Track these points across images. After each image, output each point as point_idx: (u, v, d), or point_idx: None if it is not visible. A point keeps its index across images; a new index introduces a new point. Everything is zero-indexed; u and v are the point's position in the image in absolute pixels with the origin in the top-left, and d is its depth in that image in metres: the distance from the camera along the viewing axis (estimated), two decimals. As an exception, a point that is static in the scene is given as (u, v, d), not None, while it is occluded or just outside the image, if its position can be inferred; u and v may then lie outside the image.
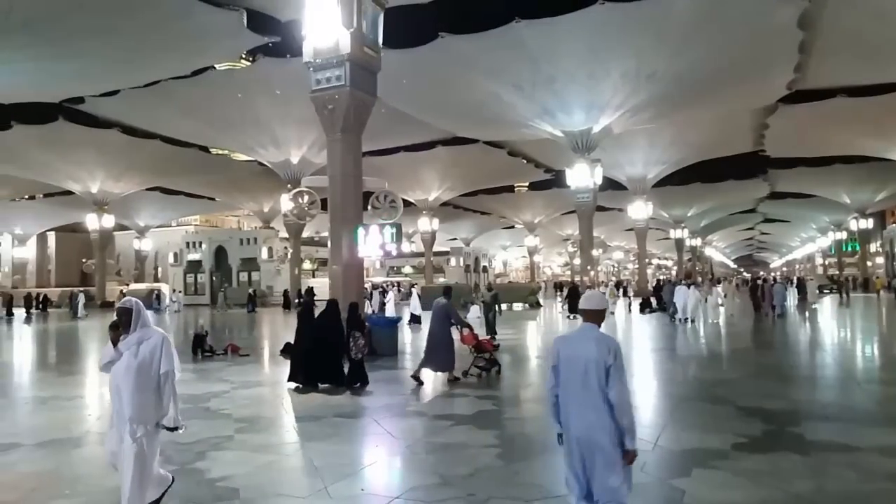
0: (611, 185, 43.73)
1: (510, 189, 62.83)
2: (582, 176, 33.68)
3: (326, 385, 10.17)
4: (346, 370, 10.47)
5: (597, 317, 3.72)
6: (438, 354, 10.69)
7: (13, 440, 7.05)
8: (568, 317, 25.07)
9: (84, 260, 63.47)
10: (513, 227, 76.12)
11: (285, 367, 12.91)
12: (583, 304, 3.80)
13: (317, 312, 11.49)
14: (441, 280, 59.89)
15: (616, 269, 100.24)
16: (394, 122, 30.11)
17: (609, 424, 3.48)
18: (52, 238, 67.36)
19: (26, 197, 56.05)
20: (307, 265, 54.97)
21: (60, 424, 8.12)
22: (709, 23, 23.49)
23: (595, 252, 46.81)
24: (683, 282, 27.24)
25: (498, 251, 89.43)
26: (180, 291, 43.11)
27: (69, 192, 46.94)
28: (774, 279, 41.86)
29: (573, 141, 32.58)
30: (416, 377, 10.56)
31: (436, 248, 58.97)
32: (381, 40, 14.74)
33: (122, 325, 4.34)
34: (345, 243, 14.07)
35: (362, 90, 14.15)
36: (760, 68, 26.62)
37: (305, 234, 46.69)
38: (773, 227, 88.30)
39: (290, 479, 5.76)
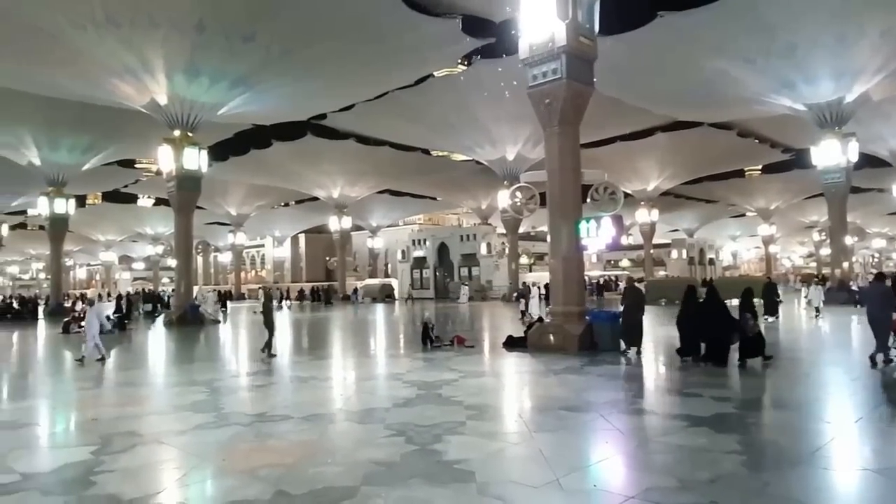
0: (868, 161, 37.71)
1: (740, 174, 57.20)
2: (831, 153, 29.48)
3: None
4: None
5: None
6: (879, 337, 10.74)
7: (286, 413, 8.21)
8: (765, 317, 19.73)
9: (328, 258, 71.85)
10: (743, 215, 69.50)
11: (508, 358, 13.33)
12: None
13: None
14: (661, 273, 56.88)
15: (877, 260, 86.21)
16: (610, 111, 29.22)
17: None
18: (302, 239, 77.14)
19: (283, 204, 64.96)
20: (524, 259, 55.87)
21: (319, 401, 9.26)
22: None
23: (848, 240, 40.72)
24: None
25: (726, 242, 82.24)
26: (467, 284, 44.64)
27: (315, 199, 53.62)
28: None
29: (819, 114, 28.65)
30: (878, 359, 10.66)
31: (656, 240, 56.07)
32: (597, 28, 14.38)
33: None
34: (564, 237, 14.00)
35: (579, 81, 13.93)
36: None
37: (522, 230, 47.48)
38: None
39: (521, 468, 5.87)
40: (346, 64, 25.97)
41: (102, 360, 14.00)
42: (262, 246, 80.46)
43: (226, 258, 77.20)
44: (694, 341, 11.69)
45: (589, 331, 13.68)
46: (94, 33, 21.26)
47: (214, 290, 44.24)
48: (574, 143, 14.49)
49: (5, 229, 47.35)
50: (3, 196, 44.60)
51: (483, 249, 49.44)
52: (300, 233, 75.56)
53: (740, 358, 11.13)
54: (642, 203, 49.90)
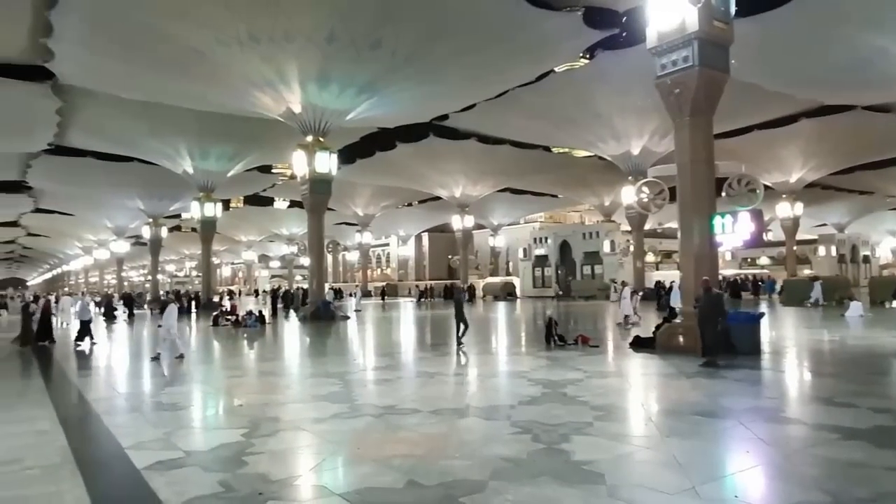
0: None
1: (899, 161, 51.19)
2: None
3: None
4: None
5: None
6: None
7: (414, 406, 8.48)
8: None
9: (450, 256, 73.11)
10: (905, 207, 62.24)
11: (635, 359, 12.91)
12: None
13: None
14: (806, 272, 52.43)
15: None
16: (747, 98, 27.28)
17: None
18: (425, 238, 79.07)
19: (406, 204, 66.91)
20: (650, 257, 53.68)
21: (445, 396, 9.48)
22: None
23: None
24: None
25: (884, 237, 74.15)
26: (620, 283, 43.79)
27: (438, 198, 54.73)
28: None
29: None
30: None
31: (799, 236, 51.66)
32: (733, 10, 13.52)
33: None
34: (696, 233, 13.30)
35: (713, 68, 13.15)
36: None
37: (648, 226, 45.61)
38: None
39: (654, 473, 5.66)
40: (468, 65, 26.24)
41: (181, 357, 14.27)
42: (388, 245, 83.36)
43: (353, 257, 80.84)
44: None
45: (725, 333, 12.89)
46: (238, 50, 23.06)
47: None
48: (707, 134, 13.72)
49: (164, 231, 52.72)
50: (162, 201, 49.72)
51: (606, 247, 48.11)
52: (423, 231, 77.47)
53: None
54: (784, 196, 46.14)
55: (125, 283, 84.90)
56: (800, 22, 23.53)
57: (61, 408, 9.15)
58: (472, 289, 47.86)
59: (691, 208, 13.55)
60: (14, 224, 68.71)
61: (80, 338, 18.11)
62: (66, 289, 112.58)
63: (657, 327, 14.98)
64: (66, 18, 20.79)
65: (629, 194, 33.60)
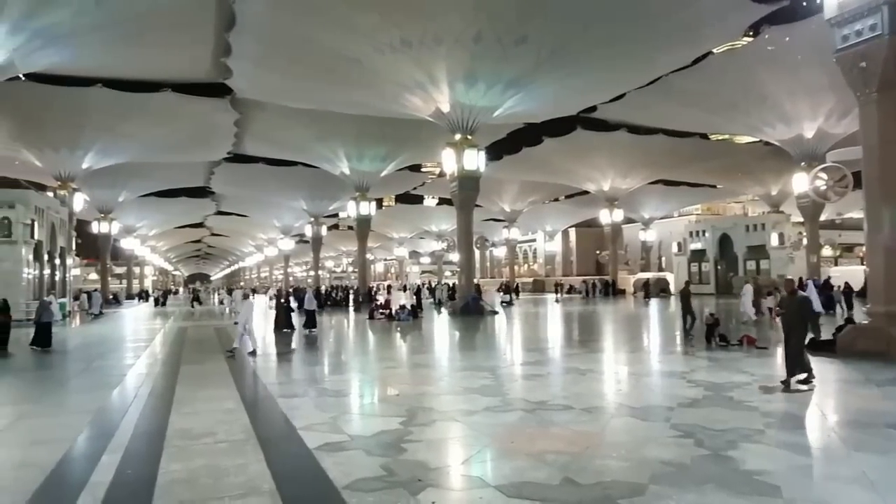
0: None
1: None
2: None
3: None
4: None
5: None
6: None
7: (566, 403, 8.36)
8: None
9: (598, 251, 71.20)
10: None
11: (811, 363, 11.70)
12: None
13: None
14: None
15: None
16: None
17: None
18: (573, 233, 77.61)
19: (553, 199, 66.19)
20: (827, 251, 48.48)
21: (598, 394, 9.26)
22: None
23: None
24: None
25: None
26: (749, 280, 40.35)
27: (585, 192, 53.51)
28: None
29: None
30: None
31: None
32: (932, -34, 11.78)
33: None
34: (887, 224, 11.79)
35: (908, 35, 11.58)
36: None
37: (824, 217, 41.12)
38: None
39: (839, 490, 5.10)
40: (617, 53, 25.30)
41: (254, 353, 13.97)
42: (534, 240, 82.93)
43: (500, 252, 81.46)
44: None
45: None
46: (390, 55, 24.12)
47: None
48: (900, 111, 12.10)
49: (324, 230, 56.67)
50: (322, 202, 53.58)
51: (774, 240, 44.14)
52: (570, 227, 76.16)
53: None
54: None
55: (290, 278, 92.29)
56: None
57: (244, 389, 10.16)
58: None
59: (880, 196, 12.04)
60: (200, 225, 77.84)
61: (307, 325, 20.32)
62: (242, 283, 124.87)
63: (838, 329, 13.52)
64: (241, 38, 23.02)
65: (802, 182, 30.54)
